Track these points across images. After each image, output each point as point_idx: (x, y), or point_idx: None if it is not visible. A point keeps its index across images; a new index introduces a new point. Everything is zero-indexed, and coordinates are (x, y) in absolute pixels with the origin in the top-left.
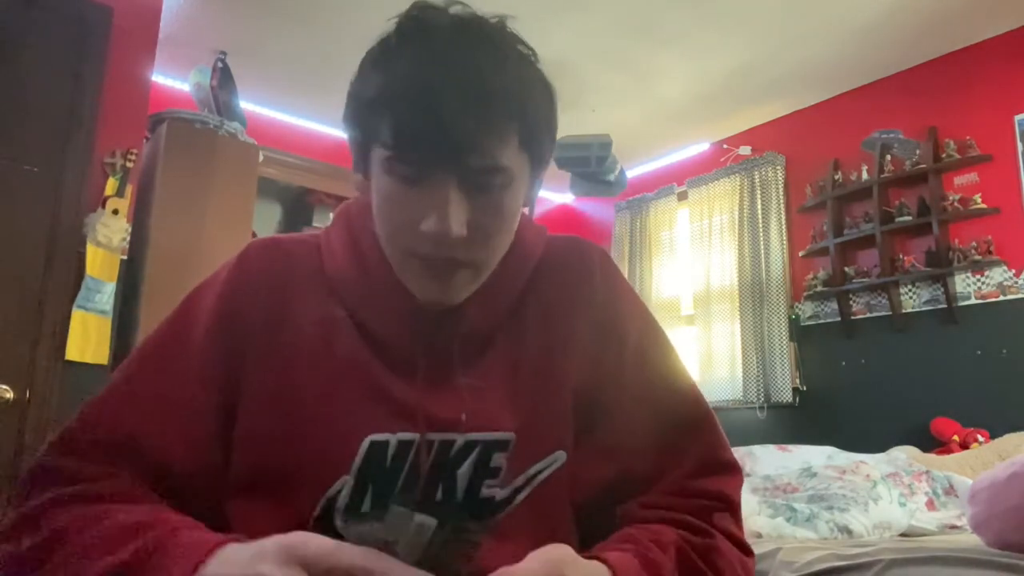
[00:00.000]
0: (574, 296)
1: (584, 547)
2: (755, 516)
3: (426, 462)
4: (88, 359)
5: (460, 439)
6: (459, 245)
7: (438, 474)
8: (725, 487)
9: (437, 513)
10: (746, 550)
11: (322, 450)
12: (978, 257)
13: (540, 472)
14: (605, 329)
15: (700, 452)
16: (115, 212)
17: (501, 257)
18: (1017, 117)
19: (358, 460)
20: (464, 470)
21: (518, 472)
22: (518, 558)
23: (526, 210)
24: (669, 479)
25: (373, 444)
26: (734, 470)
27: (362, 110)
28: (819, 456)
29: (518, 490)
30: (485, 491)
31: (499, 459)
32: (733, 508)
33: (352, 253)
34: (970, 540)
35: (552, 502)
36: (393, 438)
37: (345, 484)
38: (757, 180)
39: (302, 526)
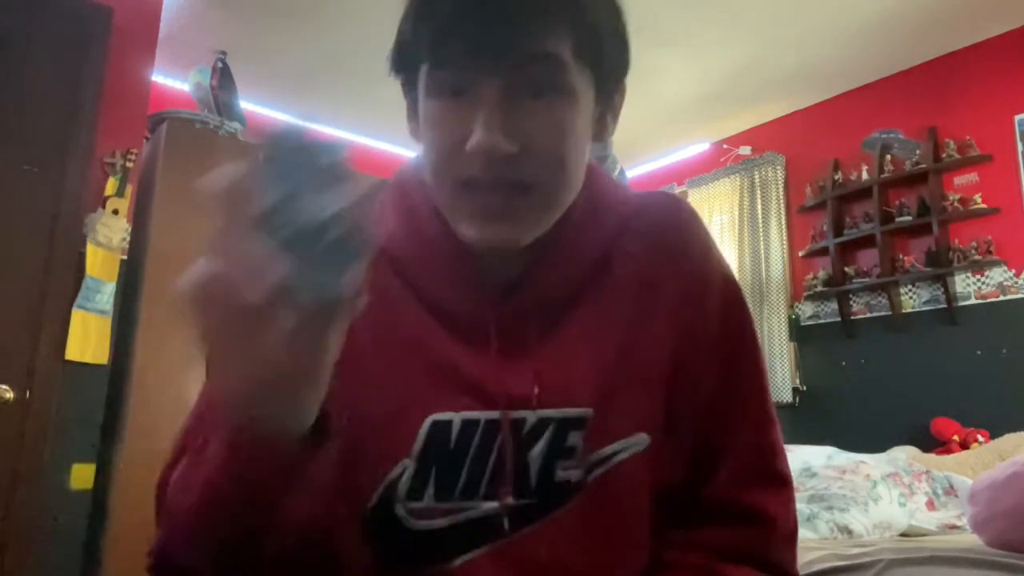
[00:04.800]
0: (666, 259)
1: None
2: None
3: (496, 443)
4: (88, 359)
5: (532, 416)
6: (510, 163)
7: (508, 456)
8: (768, 504)
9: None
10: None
11: (381, 431)
12: (978, 257)
13: (617, 453)
14: (697, 299)
15: (751, 457)
16: (115, 212)
17: (569, 188)
18: (1017, 117)
19: (419, 442)
20: (537, 451)
21: (594, 451)
22: (586, 551)
23: (595, 160)
24: (717, 483)
25: (436, 424)
26: (783, 482)
27: (404, 32)
28: (819, 456)
29: (591, 469)
30: (560, 474)
31: (575, 438)
32: (775, 530)
33: (408, 224)
34: (970, 540)
35: (629, 492)
36: (457, 417)
37: (406, 468)
38: (757, 180)
39: (360, 514)
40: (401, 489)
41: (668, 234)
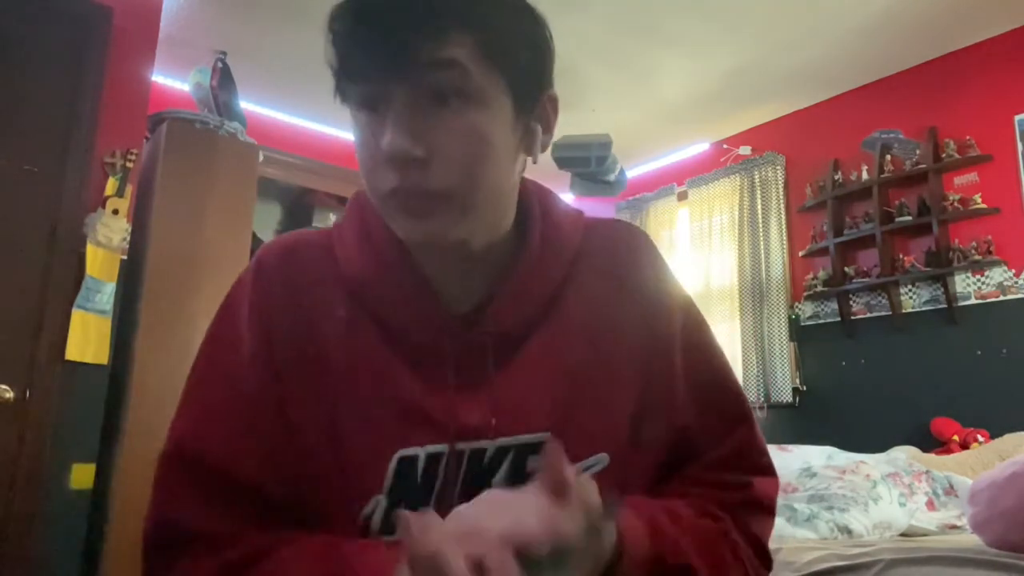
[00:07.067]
0: (620, 286)
1: None
2: None
3: (457, 475)
4: (88, 359)
5: (491, 446)
6: (421, 169)
7: (472, 486)
8: (756, 488)
9: None
10: (764, 557)
11: (353, 469)
12: (978, 257)
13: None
14: (653, 322)
15: (735, 448)
16: (115, 212)
17: (490, 194)
18: (1017, 117)
19: (389, 478)
20: (499, 479)
21: None
22: None
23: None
24: (700, 465)
25: (403, 460)
26: (769, 472)
27: (326, 52)
28: (819, 456)
29: None
30: None
31: (536, 463)
32: (759, 510)
33: (367, 248)
34: (970, 540)
35: None
36: (422, 451)
37: (378, 504)
38: (757, 180)
39: None
40: (374, 525)
41: (620, 260)
